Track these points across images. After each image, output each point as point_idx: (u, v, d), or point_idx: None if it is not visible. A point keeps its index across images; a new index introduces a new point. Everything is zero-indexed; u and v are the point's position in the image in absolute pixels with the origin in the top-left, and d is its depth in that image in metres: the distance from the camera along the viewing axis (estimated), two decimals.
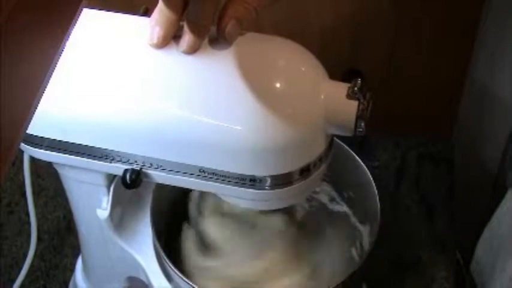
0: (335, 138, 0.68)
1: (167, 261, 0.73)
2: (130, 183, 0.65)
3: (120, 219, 0.79)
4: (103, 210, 0.74)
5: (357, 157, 0.80)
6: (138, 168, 0.65)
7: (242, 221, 0.80)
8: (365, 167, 0.79)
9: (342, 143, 0.80)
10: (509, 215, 0.80)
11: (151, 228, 0.75)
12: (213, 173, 0.63)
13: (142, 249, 0.79)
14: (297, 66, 0.64)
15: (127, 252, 0.79)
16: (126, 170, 0.66)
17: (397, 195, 1.01)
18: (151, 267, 0.78)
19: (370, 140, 1.06)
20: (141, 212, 0.81)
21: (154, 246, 0.77)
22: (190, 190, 0.66)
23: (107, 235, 0.77)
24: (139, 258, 0.79)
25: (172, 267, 0.72)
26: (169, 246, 0.78)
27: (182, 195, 0.81)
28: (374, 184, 0.78)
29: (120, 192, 0.74)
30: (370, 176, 0.79)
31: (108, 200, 0.73)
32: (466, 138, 1.06)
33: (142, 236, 0.79)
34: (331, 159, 0.66)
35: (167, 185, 0.67)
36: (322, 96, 0.62)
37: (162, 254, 0.73)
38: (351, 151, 0.80)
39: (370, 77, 0.98)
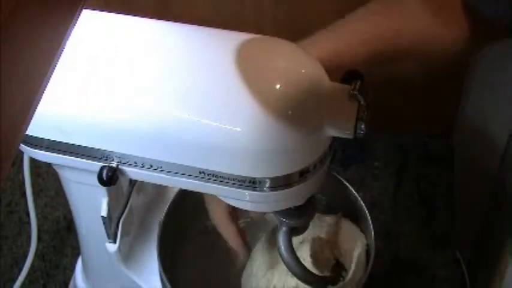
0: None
1: None
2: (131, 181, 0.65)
3: (128, 251, 0.80)
4: (112, 244, 0.76)
5: (349, 185, 0.79)
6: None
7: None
8: (357, 196, 0.79)
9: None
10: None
11: (158, 259, 0.75)
12: (213, 175, 0.62)
13: (149, 280, 0.79)
14: (297, 68, 0.64)
15: None
16: None
17: (397, 195, 1.01)
18: None
19: (370, 140, 1.06)
20: (149, 243, 0.81)
21: (161, 277, 0.76)
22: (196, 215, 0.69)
23: (107, 238, 0.77)
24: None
25: None
26: (175, 276, 0.78)
27: (188, 224, 0.81)
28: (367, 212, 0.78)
29: (128, 222, 0.76)
30: (363, 205, 0.78)
31: (107, 202, 0.73)
32: (466, 138, 1.05)
33: (149, 266, 0.79)
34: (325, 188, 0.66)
35: (174, 216, 0.69)
36: (322, 98, 0.62)
37: (168, 286, 0.73)
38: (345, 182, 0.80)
39: (370, 77, 0.98)
